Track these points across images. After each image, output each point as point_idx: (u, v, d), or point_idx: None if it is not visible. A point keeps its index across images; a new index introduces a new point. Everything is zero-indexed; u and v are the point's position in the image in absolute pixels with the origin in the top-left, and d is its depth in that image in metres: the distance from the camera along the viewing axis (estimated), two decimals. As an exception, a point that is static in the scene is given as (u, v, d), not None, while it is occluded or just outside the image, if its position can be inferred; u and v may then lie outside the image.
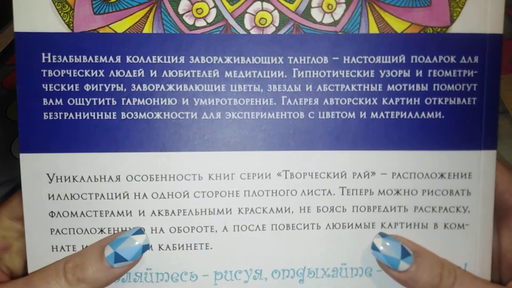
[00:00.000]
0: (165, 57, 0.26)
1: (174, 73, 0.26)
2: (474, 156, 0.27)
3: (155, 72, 0.26)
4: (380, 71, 0.26)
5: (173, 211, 0.26)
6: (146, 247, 0.26)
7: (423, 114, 0.26)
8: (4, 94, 0.42)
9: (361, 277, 0.27)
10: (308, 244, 0.27)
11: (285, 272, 0.27)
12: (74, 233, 0.26)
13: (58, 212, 0.26)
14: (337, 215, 0.27)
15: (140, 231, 0.26)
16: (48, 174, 0.26)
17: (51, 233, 0.26)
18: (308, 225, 0.27)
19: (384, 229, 0.27)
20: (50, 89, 0.26)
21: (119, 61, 0.26)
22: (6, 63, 0.42)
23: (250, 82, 0.26)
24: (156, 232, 0.26)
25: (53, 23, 0.25)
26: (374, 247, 0.26)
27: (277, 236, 0.27)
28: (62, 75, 0.26)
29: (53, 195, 0.26)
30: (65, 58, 0.26)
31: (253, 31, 0.26)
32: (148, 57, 0.26)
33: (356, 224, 0.27)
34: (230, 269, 0.27)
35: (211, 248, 0.27)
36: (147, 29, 0.26)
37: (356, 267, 0.27)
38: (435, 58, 0.26)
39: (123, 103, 0.26)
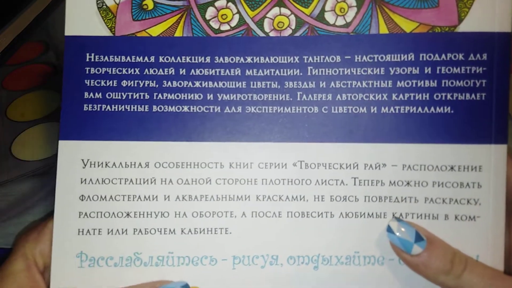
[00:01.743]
0: (193, 57, 0.29)
1: (200, 71, 0.29)
2: (484, 150, 0.27)
3: (184, 70, 0.29)
4: (390, 69, 0.28)
5: (196, 196, 0.29)
6: None
7: (432, 108, 0.28)
8: (4, 94, 0.42)
9: (374, 265, 0.28)
10: (322, 231, 0.28)
11: (300, 259, 0.28)
12: (101, 217, 0.28)
13: (88, 196, 0.28)
14: (349, 205, 0.28)
15: (187, 286, 0.28)
16: (82, 160, 0.29)
17: (79, 216, 0.28)
18: (322, 213, 0.28)
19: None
20: (92, 84, 0.29)
21: (153, 61, 0.29)
22: (6, 63, 0.43)
23: (269, 80, 0.29)
24: (179, 216, 0.28)
25: (98, 28, 0.29)
26: (389, 230, 0.27)
27: (292, 223, 0.28)
28: (103, 72, 0.29)
29: (85, 180, 0.29)
30: (106, 57, 0.29)
31: (271, 34, 0.29)
32: (178, 57, 0.29)
33: (368, 214, 0.28)
34: (248, 254, 0.28)
35: (230, 233, 0.28)
36: (178, 33, 0.29)
37: (369, 255, 0.28)
38: (443, 56, 0.28)
39: (155, 97, 0.29)
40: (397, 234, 0.27)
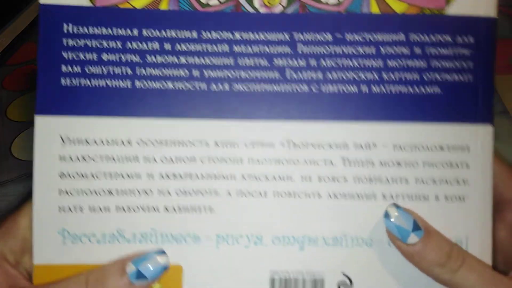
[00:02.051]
0: (178, 31, 0.28)
1: (186, 47, 0.28)
2: (471, 130, 0.28)
3: (169, 45, 0.28)
4: (381, 48, 0.28)
5: (180, 175, 0.27)
6: (166, 268, 0.26)
7: (422, 89, 0.28)
8: (4, 94, 0.42)
9: (361, 247, 0.28)
10: (309, 212, 0.28)
11: (285, 239, 0.28)
12: (82, 195, 0.27)
13: (68, 173, 0.27)
14: (338, 185, 0.28)
15: (162, 252, 0.27)
16: (61, 136, 0.27)
17: (59, 194, 0.27)
18: (309, 194, 0.28)
19: (385, 200, 0.28)
20: (70, 57, 0.27)
21: (136, 34, 0.28)
22: (6, 63, 0.42)
23: (257, 56, 0.28)
24: (163, 195, 0.27)
25: None
26: (386, 215, 0.27)
27: (278, 203, 0.28)
28: (82, 45, 0.28)
29: (64, 157, 0.27)
30: (85, 29, 0.28)
31: (261, 10, 0.28)
32: (163, 31, 0.28)
33: (357, 195, 0.28)
34: (232, 233, 0.28)
35: (214, 212, 0.28)
36: (163, 6, 0.28)
37: (357, 237, 0.28)
38: (432, 37, 0.28)
39: (137, 73, 0.28)
40: (394, 221, 0.26)
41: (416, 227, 0.26)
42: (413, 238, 0.26)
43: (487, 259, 0.27)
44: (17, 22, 0.39)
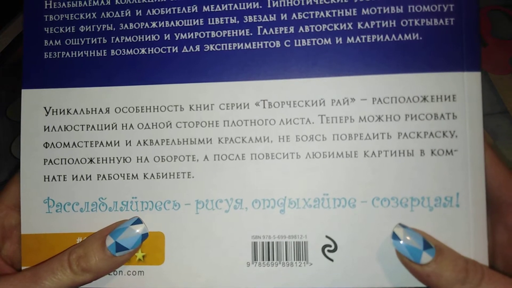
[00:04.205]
0: None
1: (157, 11, 0.28)
2: (457, 78, 0.25)
3: (140, 11, 0.28)
4: None
5: (157, 140, 0.28)
6: (145, 236, 0.27)
7: (400, 36, 0.25)
8: (4, 94, 0.43)
9: (344, 208, 0.26)
10: (288, 173, 0.27)
11: (265, 202, 0.27)
12: (65, 163, 0.28)
13: (52, 143, 0.28)
14: (317, 144, 0.26)
15: (138, 221, 0.27)
16: (45, 108, 0.28)
17: (44, 163, 0.28)
18: (287, 154, 0.27)
19: (367, 157, 0.26)
20: (51, 32, 0.28)
21: (109, 3, 0.28)
22: (6, 63, 0.43)
23: (227, 15, 0.27)
24: (141, 161, 0.28)
25: None
26: (394, 237, 0.25)
27: (256, 165, 0.27)
28: (61, 19, 0.28)
29: (48, 127, 0.28)
30: (63, 4, 0.28)
31: (229, -33, 0.27)
32: None
33: (338, 153, 0.26)
34: (211, 198, 0.27)
35: (193, 177, 0.27)
36: (133, -27, 0.28)
37: (339, 197, 0.26)
38: None
39: (112, 41, 0.28)
40: (404, 241, 0.25)
41: (427, 245, 0.24)
42: (426, 257, 0.24)
43: (481, 220, 0.25)
44: (17, 22, 0.39)
